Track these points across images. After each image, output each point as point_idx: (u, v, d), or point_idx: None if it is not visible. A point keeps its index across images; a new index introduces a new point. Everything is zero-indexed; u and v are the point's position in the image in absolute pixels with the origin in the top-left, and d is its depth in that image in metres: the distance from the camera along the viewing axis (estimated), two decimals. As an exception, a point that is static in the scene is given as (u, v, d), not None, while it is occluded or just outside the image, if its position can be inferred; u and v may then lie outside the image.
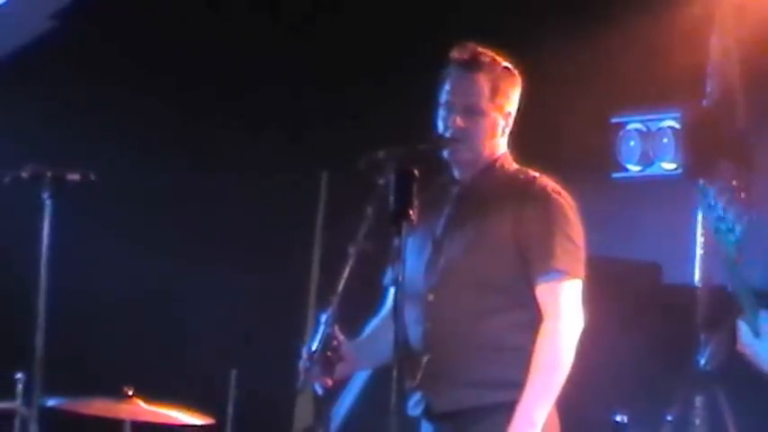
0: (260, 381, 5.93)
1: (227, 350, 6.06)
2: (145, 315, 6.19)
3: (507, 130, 4.35)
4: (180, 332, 6.18)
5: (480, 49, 4.35)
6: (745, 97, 5.67)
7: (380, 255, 4.04)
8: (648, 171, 5.76)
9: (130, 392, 4.98)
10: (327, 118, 6.48)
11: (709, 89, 5.75)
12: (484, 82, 4.29)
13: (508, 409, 4.13)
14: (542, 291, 4.19)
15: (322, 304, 4.19)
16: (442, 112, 4.32)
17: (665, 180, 5.76)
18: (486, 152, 4.33)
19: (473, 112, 4.28)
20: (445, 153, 4.32)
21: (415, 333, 4.33)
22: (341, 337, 4.16)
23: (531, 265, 4.20)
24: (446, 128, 4.30)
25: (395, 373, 3.92)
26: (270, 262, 6.38)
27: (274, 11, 6.57)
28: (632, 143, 5.80)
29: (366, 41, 6.48)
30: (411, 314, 4.36)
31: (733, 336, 5.45)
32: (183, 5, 6.40)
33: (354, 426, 5.69)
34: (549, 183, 4.31)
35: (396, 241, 3.98)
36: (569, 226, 4.24)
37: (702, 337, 5.52)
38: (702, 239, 5.71)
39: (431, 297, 4.29)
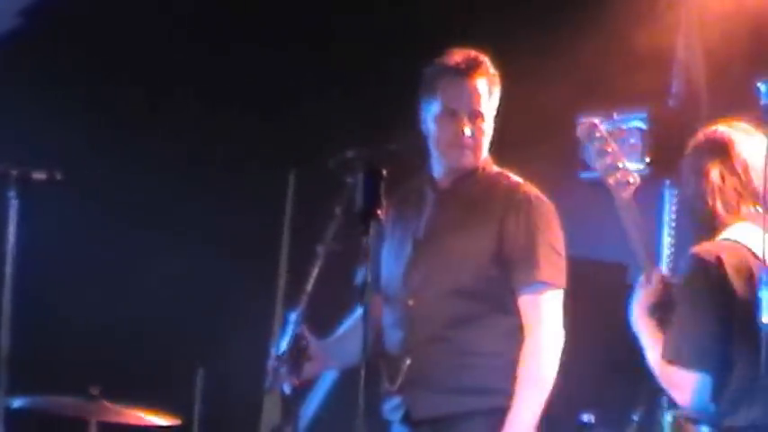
0: (227, 380, 5.92)
1: (194, 350, 6.04)
2: (111, 315, 6.16)
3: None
4: (146, 332, 6.15)
5: (473, 53, 4.35)
6: (711, 97, 5.70)
7: (349, 254, 4.03)
8: (616, 171, 5.77)
9: (96, 393, 4.96)
10: (295, 116, 6.46)
11: (675, 89, 5.77)
12: (482, 86, 4.31)
13: (485, 415, 4.15)
14: (525, 302, 4.20)
15: (290, 304, 4.20)
16: (443, 121, 4.30)
17: (632, 180, 5.76)
18: (483, 154, 4.35)
19: (477, 117, 4.29)
20: (450, 160, 4.32)
21: (393, 337, 4.33)
22: (309, 336, 4.15)
23: (514, 274, 4.21)
24: (453, 137, 4.30)
25: (362, 375, 3.92)
26: (237, 261, 6.36)
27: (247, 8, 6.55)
28: (599, 143, 5.80)
29: (335, 41, 6.47)
30: (389, 318, 4.36)
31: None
32: (153, 2, 6.38)
33: (322, 426, 5.68)
34: (532, 190, 4.32)
35: (364, 241, 3.98)
36: (553, 235, 4.26)
37: (668, 336, 5.53)
38: (669, 239, 5.73)
39: (410, 302, 4.29)
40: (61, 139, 6.01)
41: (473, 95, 4.30)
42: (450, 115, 4.31)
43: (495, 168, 4.41)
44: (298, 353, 4.10)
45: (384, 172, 4.02)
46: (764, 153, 3.93)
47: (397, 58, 6.35)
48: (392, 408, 4.32)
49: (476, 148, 4.32)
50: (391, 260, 4.39)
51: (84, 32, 6.34)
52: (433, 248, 4.31)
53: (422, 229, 4.35)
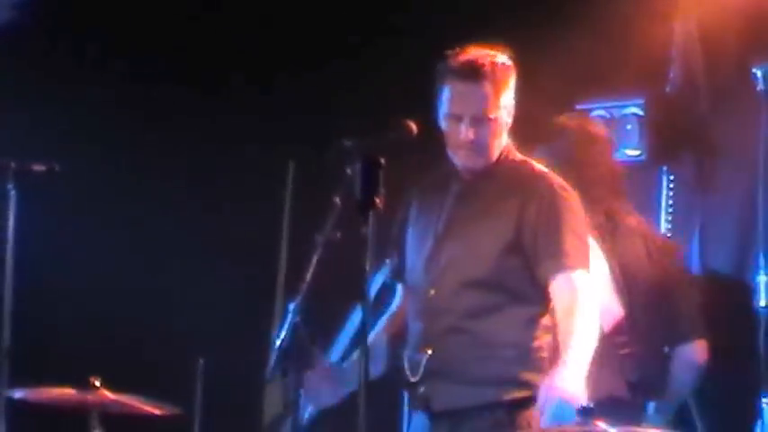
0: (228, 370, 5.93)
1: (195, 339, 6.05)
2: (112, 305, 6.17)
3: (510, 120, 4.35)
4: (147, 322, 6.16)
5: (478, 54, 4.32)
6: (707, 83, 5.70)
7: (348, 244, 4.04)
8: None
9: (97, 383, 4.97)
10: (293, 107, 6.46)
11: (672, 76, 5.78)
12: (488, 89, 4.27)
13: (505, 406, 4.14)
14: (559, 289, 4.18)
15: (290, 294, 4.21)
16: (449, 123, 4.31)
17: (629, 166, 5.77)
18: (496, 150, 4.34)
19: (482, 120, 4.27)
20: (459, 161, 4.32)
21: (415, 328, 4.34)
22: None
23: (542, 263, 4.19)
24: (457, 140, 4.30)
25: (361, 364, 3.93)
26: (237, 251, 6.37)
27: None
28: (597, 130, 5.81)
29: (333, 30, 6.47)
30: (412, 308, 4.38)
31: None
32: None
33: (323, 415, 5.69)
34: (554, 179, 4.30)
35: (363, 230, 3.99)
36: (577, 223, 4.25)
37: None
38: (666, 225, 5.74)
39: (431, 293, 4.30)
40: (59, 131, 6.02)
41: (476, 100, 4.26)
42: (454, 119, 4.30)
43: (519, 157, 4.39)
44: (299, 343, 4.11)
45: (382, 161, 4.02)
46: None
47: (397, 47, 6.36)
48: (414, 398, 4.34)
49: (482, 150, 4.30)
50: (414, 250, 4.40)
51: (80, 24, 6.34)
52: (453, 240, 4.31)
53: (443, 222, 4.35)
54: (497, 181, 4.31)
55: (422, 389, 4.28)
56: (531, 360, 4.22)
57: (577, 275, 4.18)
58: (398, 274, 4.49)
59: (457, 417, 4.23)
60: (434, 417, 4.29)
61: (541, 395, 4.08)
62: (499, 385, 4.20)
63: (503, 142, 4.34)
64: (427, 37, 6.18)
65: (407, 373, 4.28)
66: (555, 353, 4.22)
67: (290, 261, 6.33)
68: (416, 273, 4.37)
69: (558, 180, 4.32)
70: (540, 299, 4.24)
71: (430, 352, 4.25)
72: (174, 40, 6.41)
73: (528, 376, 4.20)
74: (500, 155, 4.35)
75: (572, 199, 4.29)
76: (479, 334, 4.23)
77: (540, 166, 4.36)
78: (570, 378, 4.06)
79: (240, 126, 6.36)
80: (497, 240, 4.24)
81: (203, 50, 6.45)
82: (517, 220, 4.22)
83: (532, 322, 4.22)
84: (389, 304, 4.65)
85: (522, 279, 4.22)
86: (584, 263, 4.21)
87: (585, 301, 4.17)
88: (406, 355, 4.30)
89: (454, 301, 4.26)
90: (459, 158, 4.34)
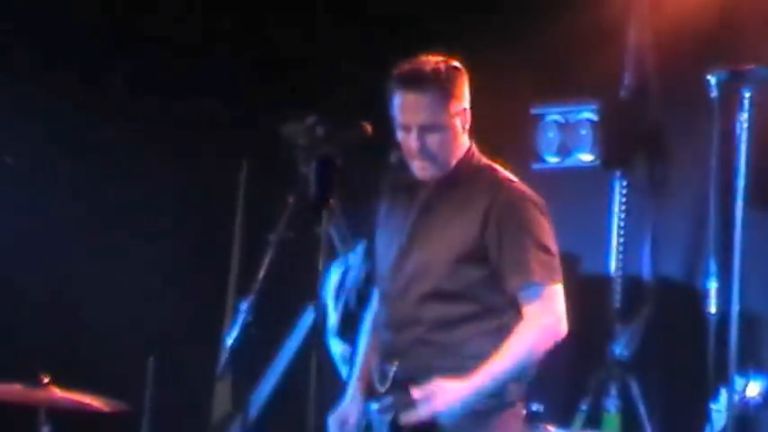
0: (178, 368, 5.91)
1: (146, 338, 6.03)
2: (62, 302, 6.13)
3: (467, 125, 4.32)
4: (97, 319, 6.13)
5: (423, 63, 4.28)
6: (661, 89, 5.74)
7: (302, 243, 4.03)
8: (567, 162, 5.81)
9: (46, 380, 4.94)
10: (247, 105, 6.45)
11: (626, 82, 5.81)
12: (434, 97, 4.21)
13: (476, 417, 4.12)
14: (524, 304, 4.15)
15: (242, 293, 4.19)
16: (400, 133, 4.27)
17: (583, 171, 5.81)
18: (451, 158, 4.29)
19: (430, 129, 4.23)
20: (414, 170, 4.29)
21: (384, 337, 4.32)
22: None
23: (506, 278, 4.16)
24: (408, 150, 4.27)
25: (313, 362, 3.92)
26: (190, 250, 6.34)
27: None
28: (551, 134, 5.84)
29: (292, 29, 6.47)
30: (381, 316, 4.35)
31: (647, 325, 5.52)
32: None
33: (273, 412, 5.68)
34: (518, 186, 4.26)
35: (317, 230, 3.98)
36: (542, 234, 4.19)
37: (617, 326, 5.59)
38: (618, 230, 5.77)
39: (397, 303, 4.27)
40: (13, 124, 5.97)
41: (422, 110, 4.20)
42: (403, 129, 4.27)
43: (484, 161, 4.35)
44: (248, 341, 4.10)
45: (337, 161, 4.01)
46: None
47: (352, 45, 6.36)
48: (381, 409, 4.30)
49: (433, 159, 4.26)
50: (382, 257, 4.37)
51: (34, 21, 6.28)
52: (416, 250, 4.27)
53: (407, 230, 4.32)
54: (460, 188, 4.26)
55: (389, 400, 4.26)
56: None
57: (543, 290, 4.16)
58: (374, 279, 4.47)
59: (422, 429, 4.21)
60: (401, 428, 4.26)
61: (425, 392, 4.09)
62: None
63: (459, 148, 4.30)
64: (385, 38, 6.20)
65: (376, 383, 4.26)
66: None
67: (242, 260, 6.31)
68: (384, 281, 4.35)
69: (522, 187, 4.28)
70: (508, 307, 4.20)
71: (397, 363, 4.23)
72: (133, 38, 6.38)
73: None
74: (462, 161, 4.30)
75: (537, 207, 4.25)
76: (447, 346, 4.20)
77: (504, 172, 4.33)
78: (457, 391, 4.07)
79: (195, 123, 6.34)
80: (460, 251, 4.19)
81: (158, 48, 6.42)
82: (480, 231, 4.17)
83: (502, 331, 4.18)
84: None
85: (488, 289, 4.17)
86: (547, 275, 4.18)
87: (541, 317, 4.15)
88: (375, 364, 4.28)
89: (420, 312, 4.21)
90: (413, 168, 4.32)
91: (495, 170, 4.31)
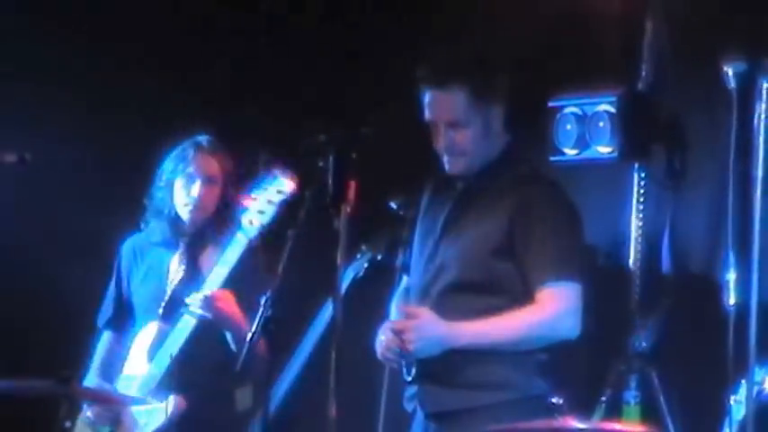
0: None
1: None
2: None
3: (502, 122, 4.30)
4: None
5: (451, 57, 4.29)
6: (678, 81, 5.73)
7: (320, 238, 4.05)
8: (585, 154, 5.81)
9: (68, 375, 4.96)
10: (266, 100, 6.46)
11: (643, 73, 5.80)
12: (458, 94, 4.23)
13: (499, 409, 4.14)
14: (542, 299, 4.17)
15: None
16: (431, 129, 4.30)
17: (601, 163, 5.80)
18: (483, 154, 4.31)
19: (456, 126, 4.25)
20: (444, 166, 4.31)
21: None
22: None
23: (529, 273, 4.18)
24: (437, 146, 4.29)
25: (333, 357, 3.94)
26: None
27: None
28: (569, 127, 5.84)
29: (305, 22, 6.47)
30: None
31: (666, 317, 5.52)
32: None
33: (293, 408, 5.69)
34: (550, 185, 4.28)
35: (335, 223, 3.99)
36: (568, 233, 4.22)
37: (637, 318, 5.58)
38: (637, 222, 5.76)
39: (426, 295, 4.30)
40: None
41: (446, 107, 4.24)
42: (432, 125, 4.30)
43: (522, 159, 4.37)
44: (267, 335, 4.12)
45: (354, 156, 4.02)
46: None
47: (369, 40, 6.36)
48: (408, 398, 4.34)
49: (462, 155, 4.29)
50: (417, 252, 4.40)
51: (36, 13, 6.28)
52: (448, 243, 4.31)
53: (441, 223, 4.35)
54: (494, 184, 4.29)
55: (414, 389, 4.29)
56: (526, 362, 4.21)
57: (563, 287, 4.17)
58: (407, 269, 4.50)
59: (447, 419, 4.23)
60: (428, 417, 4.30)
61: (405, 325, 4.10)
62: (488, 389, 4.19)
63: (493, 143, 4.31)
64: (403, 30, 6.21)
65: (403, 372, 4.29)
66: (555, 352, 4.24)
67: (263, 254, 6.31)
68: (416, 273, 4.38)
69: (553, 188, 4.30)
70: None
71: None
72: (141, 29, 6.38)
73: (522, 379, 4.20)
74: (500, 157, 4.31)
75: (566, 206, 4.27)
76: None
77: (538, 171, 4.35)
78: (436, 333, 4.07)
79: (212, 119, 6.34)
80: (488, 244, 4.22)
81: (171, 40, 6.43)
82: (508, 226, 4.20)
83: None
84: (359, 298, 4.65)
85: (516, 282, 4.20)
86: (569, 273, 4.19)
87: (553, 306, 4.16)
88: (403, 354, 4.30)
89: (447, 303, 4.25)
90: (444, 163, 4.34)
91: (529, 168, 4.33)
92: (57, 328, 5.97)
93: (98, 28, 6.31)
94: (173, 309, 5.20)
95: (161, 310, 5.24)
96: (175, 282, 5.29)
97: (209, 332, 5.07)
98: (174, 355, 5.08)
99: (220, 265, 5.06)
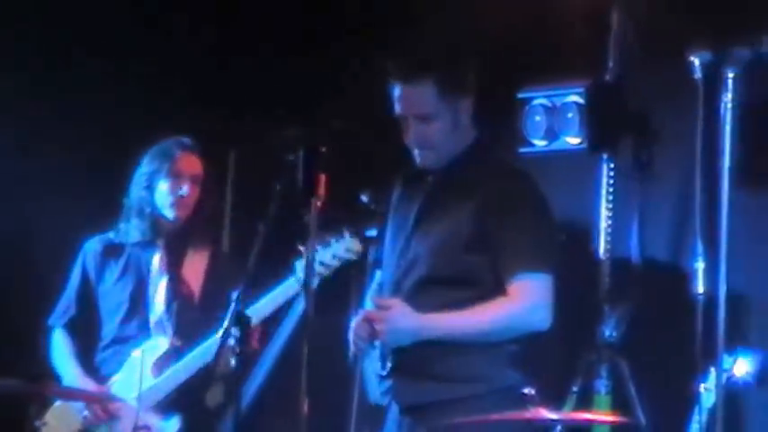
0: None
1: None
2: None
3: (471, 115, 4.31)
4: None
5: (417, 55, 4.29)
6: (645, 71, 5.75)
7: (290, 232, 4.05)
8: (554, 146, 5.83)
9: (40, 374, 4.94)
10: (234, 96, 6.45)
11: (611, 64, 5.82)
12: (427, 88, 4.24)
13: (472, 401, 4.15)
14: (513, 291, 4.18)
15: (232, 282, 4.21)
16: (400, 123, 4.31)
17: (570, 154, 5.82)
18: (453, 147, 4.32)
19: (425, 119, 4.25)
20: (415, 159, 4.32)
21: None
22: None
23: (500, 264, 4.19)
24: (407, 139, 4.30)
25: (304, 352, 3.94)
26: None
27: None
28: (538, 118, 5.86)
29: (272, 21, 6.46)
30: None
31: (635, 307, 5.55)
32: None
33: (265, 404, 5.69)
34: (520, 178, 4.29)
35: (305, 218, 4.00)
36: (540, 224, 4.23)
37: (606, 308, 5.61)
38: (606, 213, 5.79)
39: (398, 289, 4.30)
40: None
41: (417, 100, 4.24)
42: (401, 119, 4.30)
43: (490, 154, 4.37)
44: (241, 332, 4.12)
45: (324, 150, 4.03)
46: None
47: (334, 39, 6.36)
48: (382, 393, 4.35)
49: (430, 149, 4.30)
50: (390, 246, 4.40)
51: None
52: (419, 237, 4.31)
53: (411, 219, 4.35)
54: (464, 177, 4.30)
55: (389, 383, 4.30)
56: (498, 354, 4.22)
57: (534, 279, 4.19)
58: (379, 263, 4.50)
59: (421, 412, 4.24)
60: (402, 410, 4.31)
61: (379, 314, 4.13)
62: (461, 381, 4.21)
63: (461, 138, 4.32)
64: (372, 25, 6.21)
65: (378, 365, 4.30)
66: (527, 344, 4.25)
67: (231, 249, 6.31)
68: (388, 268, 4.38)
69: (523, 178, 4.31)
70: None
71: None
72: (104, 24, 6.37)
73: (494, 370, 4.21)
74: (470, 149, 4.32)
75: (536, 198, 4.28)
76: None
77: (509, 163, 4.36)
78: (407, 323, 4.11)
79: (180, 115, 6.34)
80: (459, 238, 4.23)
81: (137, 36, 6.41)
82: (480, 219, 4.21)
83: None
84: (332, 291, 4.66)
85: (488, 274, 4.21)
86: (540, 264, 4.20)
87: (523, 299, 4.18)
88: (377, 347, 4.31)
89: (418, 297, 4.25)
90: (414, 157, 4.35)
91: (499, 160, 4.34)
92: (23, 327, 5.94)
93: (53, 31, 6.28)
94: (187, 327, 5.14)
95: (169, 325, 5.20)
96: (161, 292, 5.27)
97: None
98: (190, 376, 5.04)
99: (266, 301, 4.95)
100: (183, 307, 5.27)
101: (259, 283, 4.14)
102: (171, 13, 6.44)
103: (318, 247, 4.48)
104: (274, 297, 4.94)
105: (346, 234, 4.61)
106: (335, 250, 4.68)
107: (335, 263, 4.70)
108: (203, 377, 5.00)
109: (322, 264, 4.63)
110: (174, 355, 5.16)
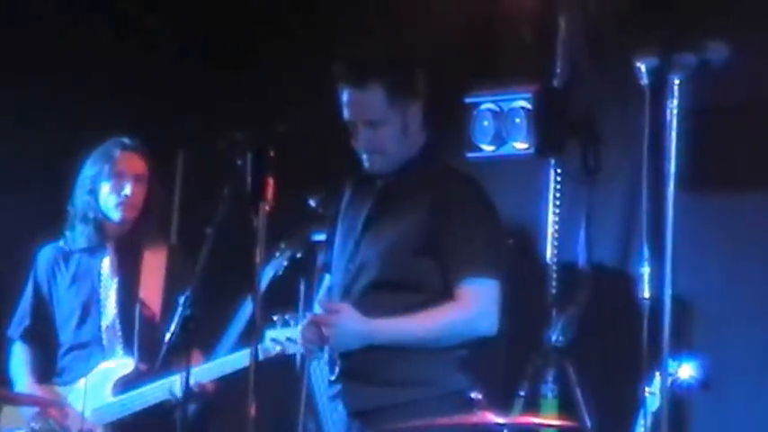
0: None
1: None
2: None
3: (420, 120, 4.31)
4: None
5: (366, 60, 4.29)
6: (592, 76, 5.79)
7: (238, 235, 4.04)
8: (501, 151, 5.85)
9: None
10: (184, 96, 6.43)
11: (558, 69, 5.85)
12: (376, 93, 4.23)
13: (420, 405, 4.15)
14: (460, 296, 4.19)
15: (180, 286, 4.19)
16: (349, 128, 4.30)
17: (518, 159, 5.85)
18: (402, 152, 4.31)
19: (374, 124, 4.25)
20: (364, 164, 4.31)
21: None
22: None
23: (449, 269, 4.20)
24: (355, 144, 4.30)
25: (252, 358, 3.94)
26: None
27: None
28: (485, 123, 5.87)
29: (223, 24, 6.45)
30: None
31: (582, 311, 5.58)
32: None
33: (212, 407, 5.68)
34: (467, 183, 4.30)
35: (254, 222, 3.99)
36: (488, 229, 4.24)
37: (553, 313, 5.64)
38: (553, 218, 5.82)
39: (348, 294, 4.30)
40: None
41: (366, 105, 4.24)
42: (350, 123, 4.30)
43: (439, 159, 4.38)
44: (186, 335, 4.10)
45: (272, 153, 4.02)
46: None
47: (283, 43, 6.36)
48: (331, 397, 4.34)
49: (379, 154, 4.30)
50: (339, 251, 4.40)
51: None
52: (368, 242, 4.31)
53: (360, 224, 4.35)
54: (413, 182, 4.31)
55: (338, 387, 4.30)
56: (446, 358, 4.23)
57: (482, 284, 4.20)
58: (329, 267, 4.50)
59: (369, 416, 4.24)
60: (350, 415, 4.31)
61: (326, 318, 4.13)
62: (412, 385, 4.21)
63: (410, 143, 4.32)
64: (322, 29, 6.21)
65: (326, 370, 4.30)
66: (479, 346, 4.26)
67: (179, 253, 6.28)
68: (337, 272, 4.38)
69: (471, 183, 4.32)
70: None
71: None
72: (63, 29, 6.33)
73: (442, 375, 4.22)
74: (419, 154, 4.33)
75: (484, 203, 4.29)
76: None
77: (457, 168, 4.37)
78: (354, 328, 4.12)
79: (128, 117, 6.31)
80: (408, 243, 4.23)
81: (90, 40, 6.38)
82: (428, 223, 4.22)
83: None
84: (281, 295, 4.65)
85: (436, 279, 4.22)
86: (489, 270, 4.22)
87: (469, 305, 4.19)
88: (326, 352, 4.31)
89: (367, 302, 4.25)
90: (363, 161, 4.35)
91: (447, 165, 4.35)
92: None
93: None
94: (151, 347, 5.01)
95: (133, 347, 5.14)
96: (112, 296, 5.24)
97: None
98: (147, 406, 5.00)
99: (216, 365, 4.92)
100: (145, 327, 5.20)
101: (207, 288, 4.12)
102: (124, 14, 6.41)
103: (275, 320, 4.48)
104: (225, 364, 4.92)
105: (291, 323, 4.55)
106: (278, 335, 4.60)
107: (275, 348, 4.60)
108: (158, 412, 4.97)
109: (289, 341, 4.56)
110: (137, 378, 5.10)
